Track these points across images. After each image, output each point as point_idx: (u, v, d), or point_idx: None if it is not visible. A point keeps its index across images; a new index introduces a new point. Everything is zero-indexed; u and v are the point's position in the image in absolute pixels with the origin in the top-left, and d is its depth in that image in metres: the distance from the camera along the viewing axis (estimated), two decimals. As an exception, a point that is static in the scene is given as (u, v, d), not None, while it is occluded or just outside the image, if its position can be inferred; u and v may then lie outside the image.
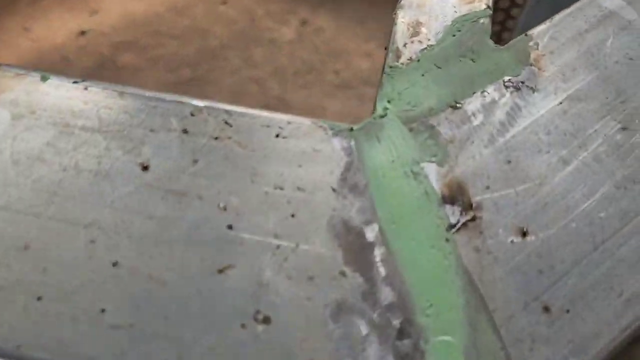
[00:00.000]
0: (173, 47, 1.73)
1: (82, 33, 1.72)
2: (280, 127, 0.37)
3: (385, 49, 0.43)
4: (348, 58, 1.66)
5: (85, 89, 0.38)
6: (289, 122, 0.37)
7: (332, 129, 0.37)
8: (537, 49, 0.40)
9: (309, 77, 1.64)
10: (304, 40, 1.72)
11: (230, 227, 0.33)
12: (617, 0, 0.42)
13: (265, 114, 0.38)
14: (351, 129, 0.37)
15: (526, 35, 0.41)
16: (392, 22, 0.43)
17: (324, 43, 1.70)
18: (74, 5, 1.77)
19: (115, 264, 0.32)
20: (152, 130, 0.37)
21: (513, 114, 0.37)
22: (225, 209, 0.34)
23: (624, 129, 0.37)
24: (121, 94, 0.38)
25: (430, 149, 0.36)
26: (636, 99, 0.38)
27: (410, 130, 0.37)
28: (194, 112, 0.37)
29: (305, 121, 0.37)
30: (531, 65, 0.39)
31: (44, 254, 0.33)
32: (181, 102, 0.38)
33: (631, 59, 0.39)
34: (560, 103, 0.38)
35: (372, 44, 1.67)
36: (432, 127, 0.37)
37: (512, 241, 0.33)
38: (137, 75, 1.66)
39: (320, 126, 0.37)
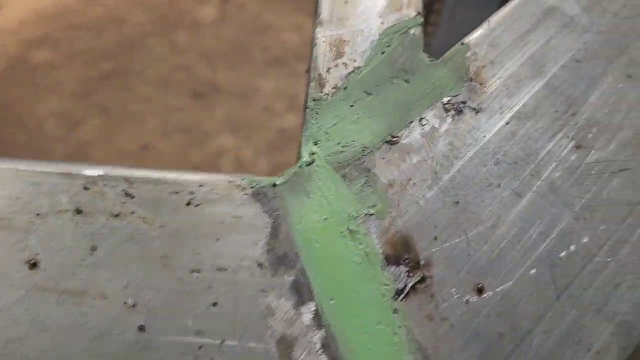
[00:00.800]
0: (89, 40, 1.61)
1: (-14, 33, 1.58)
2: (191, 193, 0.31)
3: (307, 71, 0.37)
4: (276, 33, 1.59)
5: (-50, 169, 0.32)
6: (200, 185, 0.32)
7: (252, 186, 0.32)
8: (476, 59, 0.35)
9: (237, 57, 1.56)
10: (228, 18, 1.62)
11: (142, 328, 0.28)
12: (557, -7, 0.37)
13: (171, 176, 0.32)
14: (274, 185, 0.32)
15: (463, 44, 0.36)
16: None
17: (249, 19, 1.61)
18: (-29, 3, 1.62)
19: (9, 394, 0.27)
20: (38, 215, 0.30)
21: (457, 143, 0.33)
22: (134, 306, 0.29)
23: (577, 147, 0.33)
24: (-5, 170, 0.32)
25: (367, 198, 0.32)
26: (587, 108, 0.34)
27: (343, 177, 0.32)
28: (88, 184, 0.31)
29: (220, 180, 0.32)
30: (471, 80, 0.35)
31: None
32: (71, 174, 0.32)
33: (577, 61, 0.35)
34: (507, 123, 0.34)
35: (299, 15, 1.60)
36: (368, 170, 0.32)
37: (467, 301, 0.29)
38: (53, 73, 1.54)
39: (238, 185, 0.32)
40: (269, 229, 0.31)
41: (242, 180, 0.32)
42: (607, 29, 0.36)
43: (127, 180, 0.32)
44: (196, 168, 1.41)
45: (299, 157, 0.33)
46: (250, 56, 1.55)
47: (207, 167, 1.40)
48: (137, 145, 1.44)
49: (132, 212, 0.31)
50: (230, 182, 0.32)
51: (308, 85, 0.35)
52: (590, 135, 0.33)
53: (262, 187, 0.32)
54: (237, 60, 1.55)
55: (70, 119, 1.48)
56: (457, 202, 0.31)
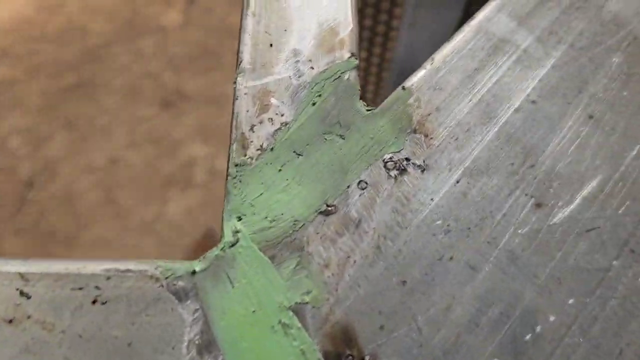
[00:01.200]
0: (51, 52, 1.54)
1: (-60, 51, 1.51)
2: (97, 288, 0.27)
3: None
4: (245, 35, 1.53)
5: None
6: (108, 278, 0.27)
7: (166, 276, 0.27)
8: (420, 106, 0.31)
9: (206, 62, 1.50)
10: (194, 22, 1.56)
11: None
12: (507, 23, 0.33)
13: (74, 267, 0.28)
14: (193, 272, 0.28)
15: (404, 88, 0.32)
16: None
17: (216, 22, 1.55)
18: None
19: None
20: None
21: (401, 210, 0.29)
22: None
23: (538, 205, 0.29)
24: None
25: (301, 283, 0.28)
26: (546, 158, 0.30)
27: (272, 259, 0.28)
28: (-23, 285, 0.27)
29: (130, 269, 0.28)
30: (415, 131, 0.31)
31: None
32: (-43, 275, 0.27)
33: (533, 101, 0.31)
34: (458, 182, 0.30)
35: (269, 12, 1.54)
36: (301, 249, 0.28)
37: (419, 404, 0.25)
38: (15, 88, 1.48)
39: (151, 276, 0.27)
40: (188, 328, 0.27)
41: (155, 269, 0.28)
42: (564, 62, 0.32)
43: (23, 276, 0.27)
44: (167, 180, 1.36)
45: (221, 236, 0.29)
46: (219, 61, 1.50)
47: (179, 178, 1.35)
48: (106, 159, 1.39)
49: (29, 317, 0.27)
50: (141, 272, 0.28)
51: (230, 147, 0.31)
52: (551, 191, 0.29)
53: (179, 276, 0.28)
54: (205, 66, 1.49)
55: (35, 135, 1.42)
56: (405, 281, 0.27)
